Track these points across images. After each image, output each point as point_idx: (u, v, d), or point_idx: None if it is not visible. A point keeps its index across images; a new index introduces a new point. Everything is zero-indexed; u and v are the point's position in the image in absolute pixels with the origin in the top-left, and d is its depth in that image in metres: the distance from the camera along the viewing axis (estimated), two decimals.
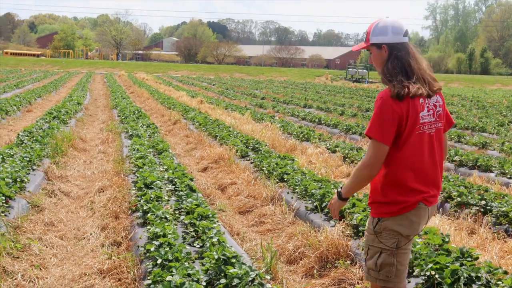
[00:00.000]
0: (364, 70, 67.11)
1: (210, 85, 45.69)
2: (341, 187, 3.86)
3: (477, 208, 7.58)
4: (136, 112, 18.37)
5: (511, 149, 12.72)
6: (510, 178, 9.81)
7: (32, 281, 5.27)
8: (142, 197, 7.20)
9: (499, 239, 6.72)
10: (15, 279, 5.17)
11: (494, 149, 13.21)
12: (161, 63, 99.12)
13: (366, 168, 3.66)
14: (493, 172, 10.28)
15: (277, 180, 8.82)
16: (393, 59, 3.75)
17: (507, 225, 7.09)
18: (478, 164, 10.68)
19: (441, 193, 8.34)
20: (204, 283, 4.68)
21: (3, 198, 6.94)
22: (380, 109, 3.60)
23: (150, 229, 5.88)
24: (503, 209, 7.24)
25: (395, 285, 3.76)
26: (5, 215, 6.63)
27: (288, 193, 8.15)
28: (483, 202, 7.62)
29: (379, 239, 3.72)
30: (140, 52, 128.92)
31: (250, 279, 4.57)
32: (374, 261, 3.75)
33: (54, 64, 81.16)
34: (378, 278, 3.78)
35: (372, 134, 3.61)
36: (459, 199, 7.94)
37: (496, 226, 7.14)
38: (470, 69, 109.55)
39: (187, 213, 6.64)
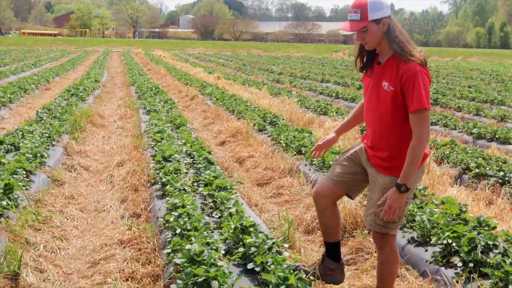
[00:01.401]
0: None
1: (227, 62, 45.62)
2: (399, 180, 3.80)
3: (495, 179, 7.56)
4: (154, 88, 18.41)
5: None
6: None
7: (54, 252, 5.36)
8: (161, 170, 7.25)
9: None
10: (38, 250, 5.26)
11: None
12: (178, 41, 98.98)
13: (426, 141, 3.77)
14: (511, 144, 10.23)
15: (295, 153, 8.84)
16: (393, 31, 3.80)
17: None
18: (497, 136, 10.63)
19: (460, 165, 8.33)
20: (223, 252, 4.74)
21: (24, 172, 7.02)
22: (422, 80, 3.72)
23: (169, 200, 5.93)
24: None
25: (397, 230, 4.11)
26: (26, 189, 6.72)
27: (305, 165, 8.17)
28: (501, 173, 7.60)
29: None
30: (157, 30, 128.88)
31: (267, 247, 4.61)
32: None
33: (71, 43, 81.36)
34: (394, 228, 4.03)
35: (426, 106, 3.70)
36: (477, 170, 7.92)
37: None
38: (489, 43, 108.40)
39: (206, 185, 6.68)
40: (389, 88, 3.81)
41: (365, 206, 6.00)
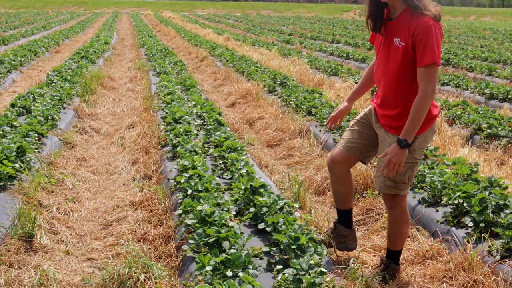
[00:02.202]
0: None
1: (237, 23, 45.30)
2: (400, 135, 3.77)
3: (507, 139, 7.53)
4: (163, 50, 18.34)
5: None
6: None
7: (67, 214, 5.40)
8: (171, 131, 7.26)
9: None
10: (51, 212, 5.30)
11: None
12: (187, 1, 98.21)
13: (431, 97, 3.72)
14: None
15: (305, 114, 8.81)
16: None
17: None
18: (509, 96, 10.54)
19: (471, 125, 8.29)
20: (234, 212, 4.76)
21: (36, 135, 7.06)
22: (435, 35, 3.66)
23: (179, 162, 5.96)
24: None
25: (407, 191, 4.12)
26: (39, 152, 6.77)
27: (316, 126, 8.16)
28: None
29: (413, 155, 3.89)
30: None
31: (278, 207, 4.63)
32: (407, 175, 3.94)
33: (80, 5, 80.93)
34: (404, 189, 4.02)
35: (437, 61, 3.66)
36: (489, 130, 7.88)
37: None
38: (503, 2, 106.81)
39: (216, 146, 6.69)
40: (400, 44, 3.76)
41: (375, 167, 6.00)
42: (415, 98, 3.72)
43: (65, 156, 7.14)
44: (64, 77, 11.67)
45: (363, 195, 5.71)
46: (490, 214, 4.52)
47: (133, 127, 8.59)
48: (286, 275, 3.64)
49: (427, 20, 3.65)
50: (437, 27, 3.69)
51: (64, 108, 9.26)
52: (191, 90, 10.62)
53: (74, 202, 5.77)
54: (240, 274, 3.60)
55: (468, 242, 4.27)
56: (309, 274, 3.65)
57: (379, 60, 4.01)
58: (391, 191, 4.00)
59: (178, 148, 6.49)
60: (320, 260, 3.92)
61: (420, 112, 3.70)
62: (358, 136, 4.19)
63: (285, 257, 3.91)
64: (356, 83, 12.23)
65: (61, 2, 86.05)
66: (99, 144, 8.10)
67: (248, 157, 6.37)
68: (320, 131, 7.90)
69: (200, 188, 5.06)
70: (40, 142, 7.11)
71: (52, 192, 5.84)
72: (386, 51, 3.90)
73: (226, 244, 3.95)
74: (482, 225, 4.47)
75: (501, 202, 4.67)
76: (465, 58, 17.53)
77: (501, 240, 4.21)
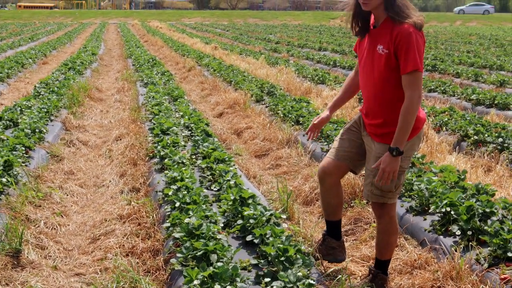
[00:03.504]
0: None
1: (224, 31, 45.34)
2: (392, 144, 3.79)
3: (494, 145, 7.56)
4: (151, 60, 18.33)
5: None
6: None
7: (54, 228, 5.38)
8: (159, 143, 7.25)
9: None
10: (38, 226, 5.28)
11: None
12: (174, 11, 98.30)
13: (418, 103, 3.75)
14: (511, 110, 10.20)
15: (293, 123, 8.83)
16: None
17: None
18: (496, 102, 10.59)
19: (458, 132, 8.33)
20: (222, 224, 4.76)
21: (23, 148, 7.03)
22: (416, 41, 3.70)
23: (167, 174, 5.95)
24: None
25: (396, 199, 4.09)
26: (26, 165, 6.74)
27: (303, 135, 8.17)
28: (500, 139, 7.59)
29: (400, 163, 3.87)
30: (153, 0, 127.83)
31: (265, 219, 4.63)
32: (393, 184, 3.93)
33: (67, 15, 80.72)
34: (392, 198, 4.02)
35: (419, 67, 3.69)
36: (476, 137, 7.91)
37: None
38: None
39: (204, 158, 6.69)
40: (383, 51, 3.79)
41: (363, 176, 6.01)
42: (402, 105, 3.74)
43: (52, 170, 7.12)
44: (51, 89, 11.63)
45: (351, 204, 5.71)
46: (478, 222, 4.55)
47: (120, 139, 8.57)
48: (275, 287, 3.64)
49: (407, 27, 3.69)
50: (418, 34, 3.73)
51: (51, 121, 9.23)
52: (178, 100, 10.61)
53: (62, 216, 5.75)
54: (228, 287, 3.59)
55: (456, 250, 4.29)
56: (297, 287, 3.65)
57: (363, 69, 4.03)
58: (378, 199, 4.02)
59: (166, 160, 6.48)
60: (308, 272, 3.92)
61: (408, 119, 3.73)
62: (349, 145, 4.19)
63: (273, 269, 3.91)
64: None
65: (48, 13, 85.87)
66: (87, 157, 8.07)
67: (236, 168, 6.36)
68: (307, 140, 7.91)
69: (188, 201, 5.06)
70: (27, 155, 7.07)
71: (40, 206, 5.81)
72: (370, 59, 3.92)
73: (214, 257, 3.95)
74: (470, 233, 4.49)
75: (487, 210, 4.70)
76: (451, 64, 17.62)
77: (489, 248, 4.23)
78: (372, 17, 3.97)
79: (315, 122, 4.42)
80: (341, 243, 4.44)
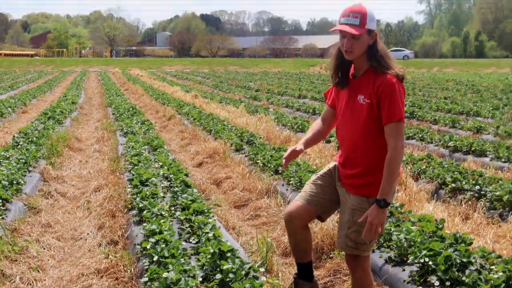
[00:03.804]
0: None
1: (204, 79, 45.63)
2: (378, 196, 3.82)
3: (472, 193, 7.62)
4: (131, 109, 18.37)
5: (506, 132, 12.76)
6: (504, 162, 9.84)
7: (30, 284, 5.30)
8: (138, 194, 7.22)
9: (493, 224, 6.78)
10: (14, 282, 5.20)
11: (489, 133, 13.24)
12: (155, 59, 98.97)
13: (402, 151, 3.82)
14: (487, 157, 10.31)
15: (272, 173, 8.85)
16: (377, 45, 3.86)
17: (501, 209, 7.13)
18: (473, 149, 10.71)
19: (436, 179, 8.39)
20: (200, 279, 4.72)
21: (0, 201, 6.96)
22: (398, 92, 3.79)
23: (146, 226, 5.91)
24: (497, 193, 7.28)
25: (370, 252, 4.12)
26: (3, 218, 6.66)
27: (283, 185, 8.19)
28: (478, 187, 7.65)
29: None
30: (134, 48, 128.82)
31: (244, 272, 4.61)
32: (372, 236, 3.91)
33: (48, 63, 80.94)
34: (366, 250, 4.05)
35: (402, 117, 3.78)
36: (453, 185, 7.98)
37: (491, 211, 7.18)
38: (465, 53, 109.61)
39: (183, 209, 6.67)
40: (365, 101, 3.83)
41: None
42: (387, 155, 3.79)
43: (29, 222, 7.05)
44: (30, 139, 11.58)
45: (330, 255, 5.69)
46: (456, 272, 4.55)
47: (99, 190, 8.53)
48: None
49: (390, 77, 3.76)
50: (400, 85, 3.81)
51: (29, 172, 9.17)
52: (158, 150, 10.61)
53: (38, 271, 5.66)
54: None
55: None
56: None
57: (342, 118, 4.06)
58: (352, 251, 4.02)
59: (145, 212, 6.45)
60: None
61: (393, 169, 3.77)
62: (321, 191, 4.20)
63: None
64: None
65: (29, 60, 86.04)
66: (65, 209, 8.01)
67: (215, 220, 6.34)
68: (287, 190, 7.93)
69: (166, 254, 5.02)
70: (4, 208, 7.00)
71: (16, 260, 5.73)
72: (350, 109, 3.96)
73: None
74: (448, 283, 4.49)
75: (465, 259, 4.71)
76: (429, 111, 17.83)
77: None
78: (352, 66, 4.03)
79: (286, 155, 4.35)
80: (314, 284, 4.42)
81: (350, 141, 4.00)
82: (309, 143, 4.44)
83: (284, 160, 4.36)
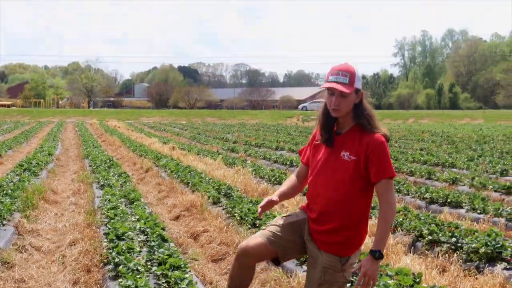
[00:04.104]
0: None
1: (182, 131, 45.71)
2: (373, 247, 3.86)
3: (448, 245, 7.67)
4: (108, 161, 18.30)
5: (481, 184, 12.90)
6: (480, 213, 9.93)
7: None
8: (114, 249, 7.15)
9: (470, 276, 6.80)
10: None
11: (464, 185, 13.38)
12: (133, 110, 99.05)
13: (395, 205, 3.90)
14: (463, 208, 10.41)
15: (250, 226, 8.83)
16: (363, 104, 3.94)
17: (477, 261, 7.17)
18: (449, 200, 10.81)
19: (413, 232, 8.42)
20: None
21: None
22: (387, 150, 3.90)
23: (122, 282, 5.84)
24: (473, 245, 7.33)
25: None
26: None
27: None
28: (454, 239, 7.71)
29: (344, 274, 3.95)
30: (112, 99, 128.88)
31: None
32: None
33: (25, 114, 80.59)
34: None
35: (394, 174, 3.88)
36: (430, 237, 8.02)
37: (467, 263, 7.22)
38: (439, 104, 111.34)
39: (159, 264, 6.61)
40: (350, 158, 3.87)
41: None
42: (382, 210, 3.87)
43: (2, 278, 6.93)
44: (5, 192, 11.46)
45: None
46: None
47: (75, 244, 8.43)
48: None
49: (379, 136, 3.84)
50: (387, 144, 3.91)
51: (3, 225, 9.05)
52: (135, 203, 10.56)
53: None
54: None
55: None
56: None
57: (320, 173, 4.06)
58: None
59: (121, 267, 6.38)
60: None
61: (389, 223, 3.88)
62: (286, 235, 4.16)
63: None
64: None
65: (5, 111, 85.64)
66: (39, 263, 7.88)
67: (192, 275, 6.29)
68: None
69: None
70: None
71: None
72: (331, 165, 3.97)
73: None
74: None
75: None
76: (405, 162, 18.00)
77: None
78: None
79: (261, 204, 4.36)
80: None
81: (327, 197, 4.00)
82: (284, 196, 4.46)
83: (259, 209, 4.37)
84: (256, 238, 4.24)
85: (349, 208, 3.93)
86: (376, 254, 3.81)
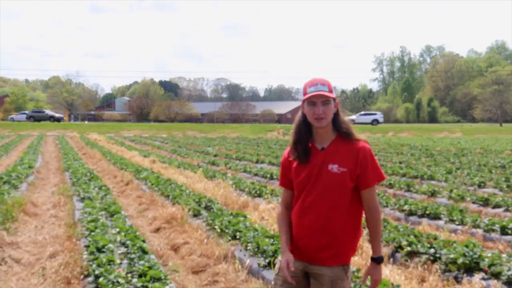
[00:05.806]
0: None
1: (163, 144, 45.56)
2: (374, 255, 3.97)
3: (427, 256, 7.74)
4: (88, 174, 18.23)
5: (459, 195, 13.04)
6: (458, 224, 10.05)
7: None
8: (94, 261, 7.15)
9: (449, 286, 6.89)
10: None
11: (443, 197, 13.51)
12: (114, 123, 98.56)
13: (381, 210, 3.91)
14: (442, 220, 10.52)
15: (230, 238, 8.86)
16: (340, 113, 4.01)
17: (456, 271, 7.25)
18: (427, 212, 10.92)
19: (392, 243, 8.50)
20: None
21: None
22: (373, 155, 3.96)
23: None
24: (452, 256, 7.42)
25: None
26: None
27: (240, 250, 8.20)
28: (432, 250, 7.79)
29: (349, 280, 3.96)
30: (93, 112, 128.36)
31: None
32: None
33: (4, 127, 79.81)
34: None
35: (385, 176, 3.99)
36: (409, 248, 8.10)
37: (446, 273, 7.30)
38: (418, 118, 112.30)
39: (140, 276, 6.62)
40: (339, 170, 3.86)
41: None
42: (372, 216, 3.93)
43: None
44: None
45: None
46: None
47: (55, 256, 8.42)
48: None
49: (364, 144, 3.93)
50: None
51: None
52: (115, 216, 10.54)
53: None
54: None
55: None
56: None
57: (308, 191, 3.97)
58: None
59: (101, 279, 6.39)
60: None
61: (380, 227, 3.97)
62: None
63: None
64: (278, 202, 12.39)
65: None
66: (19, 276, 7.85)
67: (172, 287, 6.31)
68: (244, 255, 7.94)
69: None
70: None
71: None
72: (320, 180, 3.92)
73: None
74: None
75: None
76: (384, 175, 18.09)
77: None
78: (313, 139, 4.08)
79: (285, 268, 3.99)
80: None
81: (321, 213, 3.91)
82: (289, 242, 4.15)
83: (287, 276, 3.98)
84: None
85: (345, 219, 3.91)
86: (379, 260, 3.95)
